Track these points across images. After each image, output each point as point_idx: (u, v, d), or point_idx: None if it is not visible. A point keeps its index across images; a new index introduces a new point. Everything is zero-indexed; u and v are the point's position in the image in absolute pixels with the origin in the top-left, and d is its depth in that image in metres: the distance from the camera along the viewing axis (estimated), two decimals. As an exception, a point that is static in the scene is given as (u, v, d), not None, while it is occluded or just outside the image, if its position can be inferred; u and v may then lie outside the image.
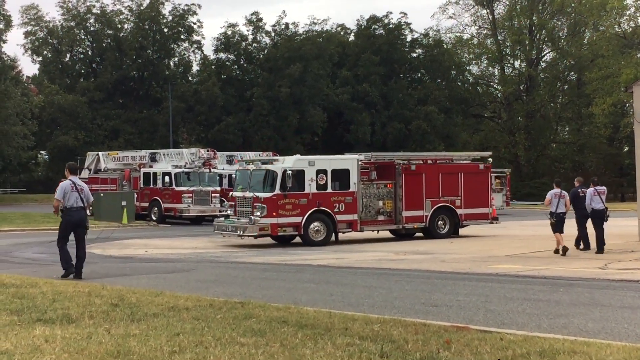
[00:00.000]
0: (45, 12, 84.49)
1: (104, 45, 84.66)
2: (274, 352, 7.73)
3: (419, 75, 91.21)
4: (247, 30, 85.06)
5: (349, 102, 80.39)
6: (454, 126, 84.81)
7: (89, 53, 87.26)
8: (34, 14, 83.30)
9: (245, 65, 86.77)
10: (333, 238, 28.24)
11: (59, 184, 17.24)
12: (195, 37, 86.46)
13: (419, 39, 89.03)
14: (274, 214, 26.76)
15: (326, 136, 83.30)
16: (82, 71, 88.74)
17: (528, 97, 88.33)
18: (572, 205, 23.41)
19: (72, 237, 17.05)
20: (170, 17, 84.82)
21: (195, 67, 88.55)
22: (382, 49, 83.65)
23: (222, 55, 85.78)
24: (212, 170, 43.07)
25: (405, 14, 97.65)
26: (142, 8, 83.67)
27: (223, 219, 29.12)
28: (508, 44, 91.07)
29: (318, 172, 27.63)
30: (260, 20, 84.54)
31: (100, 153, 48.90)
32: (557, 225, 22.59)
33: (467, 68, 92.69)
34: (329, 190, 27.74)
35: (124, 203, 40.43)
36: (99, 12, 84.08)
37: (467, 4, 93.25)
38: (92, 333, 8.53)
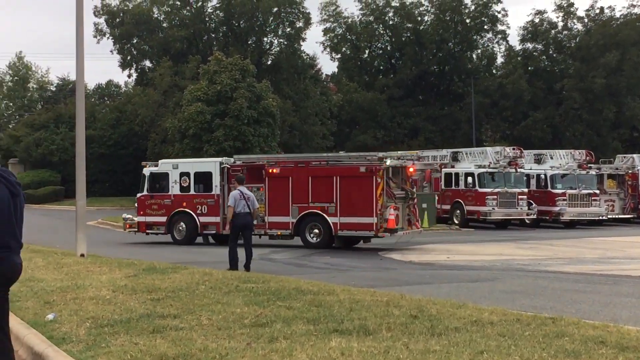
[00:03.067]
0: (344, 8, 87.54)
1: (403, 39, 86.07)
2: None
3: None
4: (557, 17, 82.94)
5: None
6: None
7: (388, 48, 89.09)
8: (333, 10, 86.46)
9: (554, 55, 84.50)
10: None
11: (230, 194, 21.34)
12: (500, 27, 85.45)
13: None
14: (142, 212, 32.22)
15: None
16: (381, 67, 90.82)
17: None
18: None
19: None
20: (473, 7, 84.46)
21: (499, 59, 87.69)
22: None
23: (529, 45, 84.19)
24: (519, 170, 42.34)
25: None
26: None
27: None
28: None
29: (181, 174, 31.75)
30: (572, 5, 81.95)
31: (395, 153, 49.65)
32: None
33: None
34: (192, 192, 31.60)
35: (424, 205, 40.68)
36: (398, 5, 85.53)
37: None
38: (389, 347, 8.50)
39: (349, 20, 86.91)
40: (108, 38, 78.46)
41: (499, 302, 13.64)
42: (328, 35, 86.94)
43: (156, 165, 33.16)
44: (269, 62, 76.80)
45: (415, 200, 31.08)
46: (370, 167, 28.69)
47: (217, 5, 77.08)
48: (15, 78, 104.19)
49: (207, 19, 78.19)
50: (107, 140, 76.92)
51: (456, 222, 42.21)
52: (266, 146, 44.83)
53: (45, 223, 45.34)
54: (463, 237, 35.72)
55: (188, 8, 77.46)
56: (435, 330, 9.58)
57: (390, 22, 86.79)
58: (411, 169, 30.83)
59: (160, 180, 32.30)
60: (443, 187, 43.06)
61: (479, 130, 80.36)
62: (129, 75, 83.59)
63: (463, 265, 23.26)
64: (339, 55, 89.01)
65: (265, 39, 77.70)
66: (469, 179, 41.65)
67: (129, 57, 79.89)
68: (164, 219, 31.88)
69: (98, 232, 37.97)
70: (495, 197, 40.82)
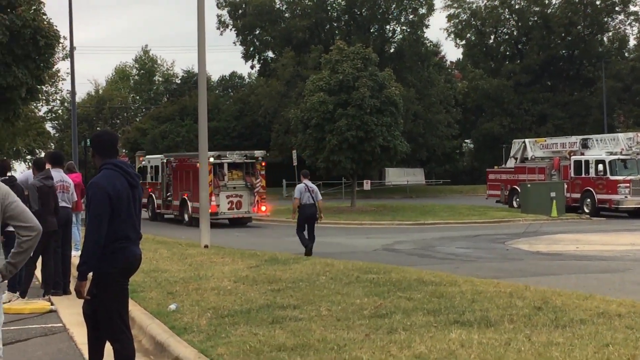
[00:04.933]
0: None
1: (530, 23, 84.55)
2: None
3: None
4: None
5: None
6: None
7: (514, 33, 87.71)
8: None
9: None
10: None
11: (296, 187, 22.89)
12: (632, 8, 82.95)
13: None
14: None
15: None
16: (507, 53, 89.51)
17: None
18: None
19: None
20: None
21: (632, 42, 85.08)
22: None
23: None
24: (653, 156, 41.02)
25: None
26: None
27: None
28: None
29: (151, 167, 43.95)
30: None
31: (526, 140, 48.85)
32: None
33: None
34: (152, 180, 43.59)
35: (552, 194, 40.03)
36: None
37: None
38: (510, 339, 8.38)
39: (474, 5, 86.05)
40: (231, 30, 79.83)
41: (628, 294, 13.26)
42: (452, 22, 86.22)
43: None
44: (392, 50, 76.63)
45: (257, 189, 38.50)
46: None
47: (339, -7, 77.44)
48: (142, 71, 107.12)
49: (329, 7, 78.56)
50: (231, 131, 78.29)
51: (586, 211, 41.16)
52: (389, 135, 44.62)
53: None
54: (593, 227, 34.79)
55: (310, -3, 77.98)
56: (560, 322, 9.39)
57: (517, 6, 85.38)
58: (263, 163, 39.42)
59: (143, 172, 42.85)
60: (572, 175, 42.19)
61: (610, 116, 78.24)
62: (252, 67, 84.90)
63: (593, 255, 22.69)
64: (463, 42, 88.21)
65: (387, 26, 77.54)
66: (600, 167, 40.54)
67: (251, 48, 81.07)
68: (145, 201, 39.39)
69: (224, 223, 38.65)
70: (628, 184, 39.61)
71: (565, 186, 41.45)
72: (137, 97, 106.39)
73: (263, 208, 38.67)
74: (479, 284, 12.77)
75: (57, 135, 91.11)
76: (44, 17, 30.70)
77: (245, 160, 38.90)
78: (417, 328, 9.19)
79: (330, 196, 64.10)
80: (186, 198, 39.33)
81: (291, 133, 57.62)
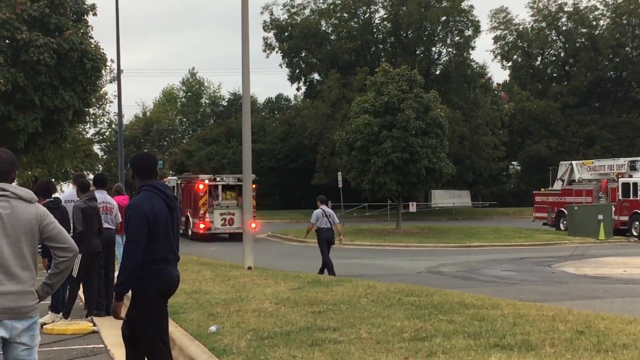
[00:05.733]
0: (514, 15, 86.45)
1: (577, 45, 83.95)
2: None
3: None
4: None
5: None
6: None
7: (561, 55, 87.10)
8: (504, 17, 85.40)
9: None
10: None
11: (313, 212, 23.36)
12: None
13: None
14: None
15: None
16: (554, 75, 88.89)
17: None
18: None
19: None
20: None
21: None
22: None
23: None
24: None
25: None
26: (618, 1, 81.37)
27: None
28: None
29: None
30: None
31: (573, 162, 48.43)
32: None
33: None
34: None
35: (600, 217, 39.59)
36: (571, 9, 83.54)
37: None
38: (551, 364, 8.30)
39: (520, 27, 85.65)
40: (277, 52, 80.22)
41: (676, 318, 13.05)
42: (498, 43, 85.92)
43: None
44: (438, 72, 76.49)
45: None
46: (198, 184, 43.88)
47: (385, 16, 77.53)
48: (189, 94, 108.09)
49: (374, 30, 78.75)
50: (277, 153, 78.59)
51: (635, 234, 40.65)
52: (434, 157, 44.47)
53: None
54: (642, 250, 34.32)
55: (355, 20, 78.20)
56: (602, 347, 9.25)
57: (564, 28, 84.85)
58: (254, 185, 42.37)
59: None
60: (620, 197, 41.72)
61: (660, 138, 77.28)
62: (298, 89, 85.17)
63: (640, 279, 22.38)
64: (509, 63, 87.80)
65: (433, 48, 77.41)
66: (648, 189, 40.07)
67: (297, 71, 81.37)
68: None
69: (268, 245, 38.76)
70: (677, 207, 39.11)
71: (613, 209, 40.98)
72: (184, 119, 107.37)
73: (253, 225, 39.30)
74: (521, 307, 12.65)
75: (104, 157, 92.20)
76: (91, 40, 31.15)
77: (238, 183, 42.09)
78: (457, 351, 9.11)
79: (375, 218, 64.02)
80: (189, 215, 44.09)
81: (336, 155, 57.65)
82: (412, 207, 55.46)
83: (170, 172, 77.54)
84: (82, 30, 30.59)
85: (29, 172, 48.92)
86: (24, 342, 5.79)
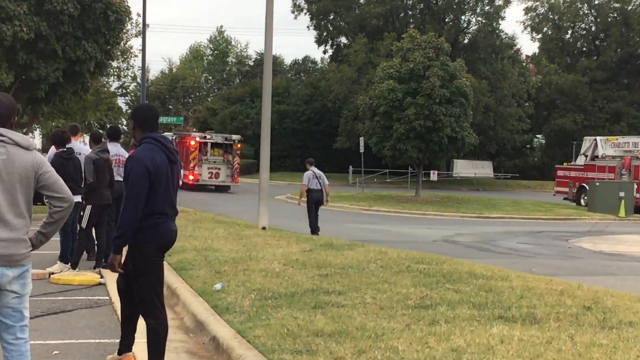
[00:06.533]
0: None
1: (609, 19, 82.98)
2: None
3: None
4: None
5: None
6: None
7: (592, 29, 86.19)
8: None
9: None
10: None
11: (304, 174, 24.42)
12: None
13: None
14: None
15: None
16: (584, 49, 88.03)
17: None
18: None
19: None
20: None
21: None
22: None
23: None
24: None
25: None
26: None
27: None
28: None
29: None
30: None
31: (598, 138, 47.96)
32: None
33: None
34: None
35: (621, 194, 39.27)
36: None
37: None
38: (553, 338, 8.15)
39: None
40: (305, 14, 79.79)
41: (687, 299, 12.88)
42: (529, 15, 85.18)
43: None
44: (466, 41, 75.87)
45: (235, 164, 49.92)
46: (190, 140, 48.89)
47: (416, -19, 76.83)
48: (216, 52, 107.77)
49: (404, -5, 78.13)
50: (300, 115, 78.41)
51: (657, 212, 40.34)
52: (457, 126, 44.12)
53: (232, 197, 46.88)
54: (661, 229, 34.02)
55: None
56: (607, 324, 9.12)
57: (596, 2, 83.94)
58: (239, 145, 50.84)
59: None
60: (643, 175, 41.33)
61: (687, 117, 76.45)
62: (325, 52, 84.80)
63: (656, 258, 22.15)
64: (539, 36, 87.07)
65: (463, 17, 76.77)
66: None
67: (325, 33, 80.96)
68: None
69: (286, 207, 38.72)
70: (700, 187, 38.72)
71: (635, 186, 40.61)
72: (210, 77, 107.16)
73: (236, 180, 49.90)
74: (530, 280, 12.51)
75: (129, 111, 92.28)
76: (116, -8, 30.95)
77: (225, 142, 49.86)
78: (460, 321, 9.00)
79: (396, 185, 63.87)
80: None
81: (359, 120, 57.44)
82: (433, 176, 55.23)
83: (194, 129, 77.54)
84: (106, -18, 30.36)
85: (52, 123, 48.99)
86: (15, 290, 5.72)
